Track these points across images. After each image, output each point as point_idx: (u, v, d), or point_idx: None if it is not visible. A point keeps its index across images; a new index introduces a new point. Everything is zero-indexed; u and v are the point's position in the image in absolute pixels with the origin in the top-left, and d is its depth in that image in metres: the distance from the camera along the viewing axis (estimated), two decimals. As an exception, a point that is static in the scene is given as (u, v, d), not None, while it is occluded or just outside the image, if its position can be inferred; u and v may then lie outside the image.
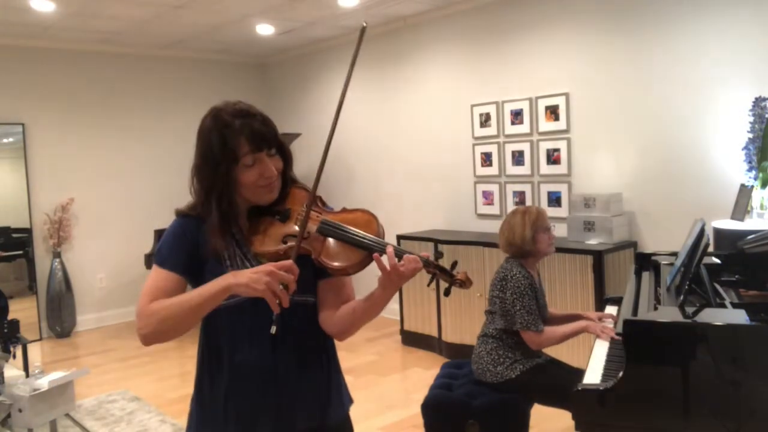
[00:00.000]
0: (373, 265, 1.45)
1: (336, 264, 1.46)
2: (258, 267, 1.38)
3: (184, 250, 1.52)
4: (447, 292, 1.49)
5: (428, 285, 1.53)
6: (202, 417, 1.56)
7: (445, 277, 1.46)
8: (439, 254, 1.45)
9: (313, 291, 1.57)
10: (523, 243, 2.83)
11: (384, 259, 1.40)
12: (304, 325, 1.56)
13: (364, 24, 1.51)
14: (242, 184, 1.49)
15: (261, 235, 1.52)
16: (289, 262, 1.38)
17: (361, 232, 1.47)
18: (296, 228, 1.50)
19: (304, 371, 1.55)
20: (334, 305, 1.56)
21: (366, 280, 1.62)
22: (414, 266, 1.40)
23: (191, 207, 1.57)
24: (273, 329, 1.41)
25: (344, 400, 1.68)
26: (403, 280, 1.41)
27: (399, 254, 1.42)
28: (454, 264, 1.46)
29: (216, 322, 1.53)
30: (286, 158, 1.57)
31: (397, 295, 5.37)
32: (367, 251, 1.45)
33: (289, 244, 1.49)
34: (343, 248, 1.47)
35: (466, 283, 1.46)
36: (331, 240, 1.48)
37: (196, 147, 1.52)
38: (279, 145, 1.54)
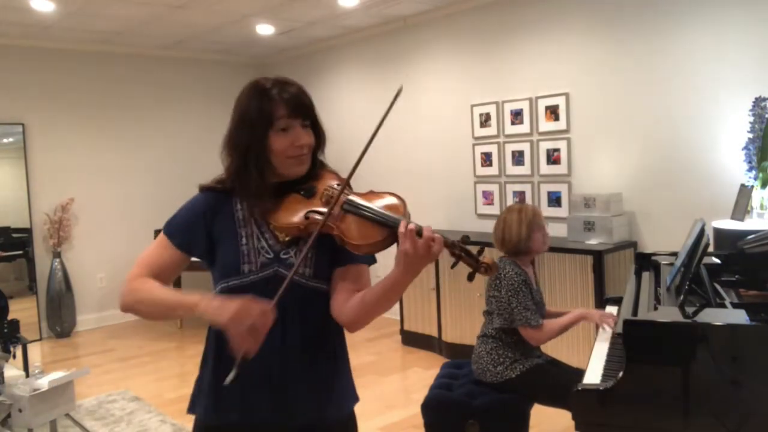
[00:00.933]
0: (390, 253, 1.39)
1: (357, 240, 1.40)
2: (234, 299, 1.33)
3: (198, 226, 1.53)
4: (471, 277, 1.41)
5: (452, 267, 1.45)
6: (207, 401, 1.54)
7: (471, 261, 1.37)
8: (466, 238, 1.38)
9: (327, 278, 1.53)
10: (519, 241, 2.83)
11: (407, 236, 1.32)
12: (315, 314, 1.52)
13: (401, 86, 1.52)
14: (273, 151, 1.48)
15: (283, 210, 1.49)
16: (268, 307, 1.32)
17: (387, 211, 1.42)
18: (320, 205, 1.47)
19: (311, 359, 1.52)
20: (349, 294, 1.50)
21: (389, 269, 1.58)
22: (438, 245, 1.32)
23: (218, 181, 1.57)
24: (228, 378, 1.32)
25: (350, 396, 1.63)
26: (423, 261, 1.32)
27: (422, 233, 1.33)
28: (481, 250, 1.39)
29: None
30: (320, 137, 1.57)
31: (397, 295, 5.36)
32: (390, 229, 1.38)
33: (311, 218, 1.45)
34: (366, 226, 1.41)
35: (491, 268, 1.37)
36: (354, 218, 1.43)
37: (233, 114, 1.52)
38: (314, 121, 1.55)
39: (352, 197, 1.47)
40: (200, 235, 1.53)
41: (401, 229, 1.33)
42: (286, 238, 1.51)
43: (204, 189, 1.58)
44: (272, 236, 1.52)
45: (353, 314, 1.48)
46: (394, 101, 1.45)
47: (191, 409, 1.59)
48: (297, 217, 1.47)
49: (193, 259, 1.57)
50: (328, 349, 1.58)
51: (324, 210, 1.45)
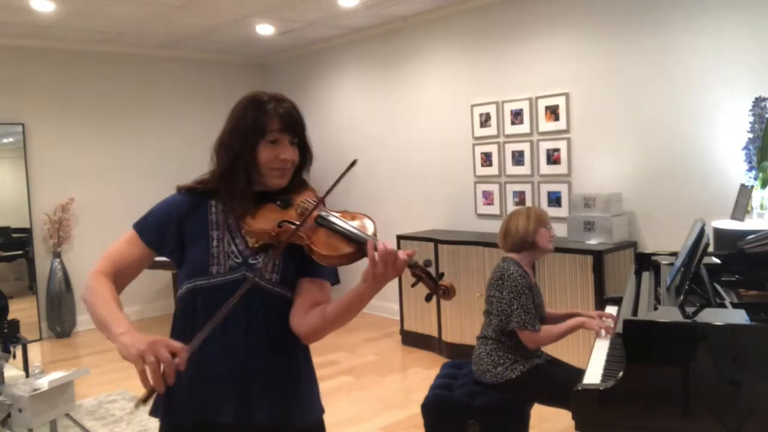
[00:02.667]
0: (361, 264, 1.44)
1: (325, 251, 1.47)
2: (146, 337, 1.34)
3: (169, 226, 1.57)
4: (428, 298, 1.49)
5: (412, 286, 1.53)
6: (167, 402, 1.56)
7: (430, 284, 1.45)
8: (428, 262, 1.45)
9: (293, 287, 1.58)
10: (526, 234, 2.84)
11: (374, 251, 1.40)
12: (278, 321, 1.55)
13: (356, 160, 1.57)
14: (259, 161, 1.54)
15: (257, 217, 1.55)
16: (180, 345, 1.33)
17: (356, 227, 1.50)
18: (294, 216, 1.54)
19: (273, 364, 1.55)
20: (309, 305, 1.55)
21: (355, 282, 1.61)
22: (399, 263, 1.39)
23: (199, 182, 1.62)
24: (136, 402, 1.33)
25: (314, 405, 1.64)
26: (387, 276, 1.40)
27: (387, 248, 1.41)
28: (441, 274, 1.46)
29: (193, 303, 1.54)
30: (306, 157, 1.64)
31: (397, 295, 5.37)
32: (357, 245, 1.46)
33: (283, 227, 1.51)
34: (335, 239, 1.49)
35: (449, 292, 1.45)
36: (325, 230, 1.50)
37: (227, 121, 1.60)
38: (302, 140, 1.62)
39: (325, 212, 1.55)
40: (171, 235, 1.57)
41: (369, 246, 1.40)
42: (256, 244, 1.56)
43: (182, 189, 1.63)
44: (243, 242, 1.56)
45: (312, 326, 1.52)
46: (346, 172, 1.51)
47: (154, 412, 1.60)
48: (270, 225, 1.52)
49: (159, 258, 1.61)
50: (291, 355, 1.59)
51: (296, 220, 1.52)
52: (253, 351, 1.52)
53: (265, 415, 1.53)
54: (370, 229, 1.52)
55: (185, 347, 1.34)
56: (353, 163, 1.51)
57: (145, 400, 1.32)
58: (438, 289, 1.45)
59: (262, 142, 1.54)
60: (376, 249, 1.39)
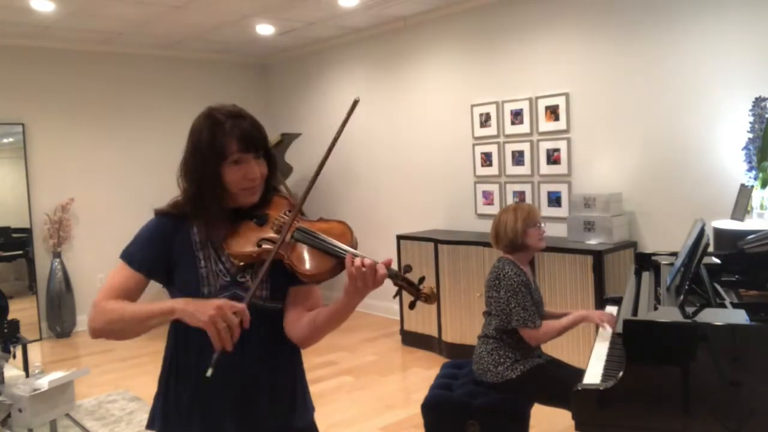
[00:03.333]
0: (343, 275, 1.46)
1: (307, 270, 1.48)
2: (209, 300, 1.41)
3: (156, 250, 1.56)
4: (412, 306, 1.51)
5: (394, 297, 1.54)
6: (166, 418, 1.58)
7: (411, 290, 1.47)
8: (407, 268, 1.46)
9: (284, 298, 1.60)
10: (515, 236, 2.84)
11: (353, 267, 1.41)
12: (273, 331, 1.58)
13: (357, 98, 1.56)
14: (227, 182, 1.52)
15: (237, 237, 1.55)
16: (242, 306, 1.40)
17: (335, 241, 1.49)
18: (272, 233, 1.54)
19: (271, 376, 1.58)
20: (300, 312, 1.58)
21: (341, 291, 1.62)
22: (379, 277, 1.41)
23: (173, 205, 1.60)
24: (209, 371, 1.38)
25: (309, 406, 1.69)
26: (368, 290, 1.42)
27: (366, 264, 1.42)
28: (422, 279, 1.47)
29: (183, 326, 1.52)
30: (272, 166, 1.61)
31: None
32: (337, 259, 1.47)
33: (264, 247, 1.52)
34: (315, 255, 1.49)
35: (431, 297, 1.47)
36: (304, 246, 1.51)
37: (187, 143, 1.56)
38: (266, 151, 1.58)
39: (301, 225, 1.54)
40: (158, 258, 1.56)
41: (348, 262, 1.42)
42: (240, 263, 1.56)
43: (159, 213, 1.61)
44: (228, 259, 1.56)
45: (305, 333, 1.56)
46: (350, 114, 1.50)
47: (150, 425, 1.61)
48: (249, 246, 1.53)
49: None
50: (287, 361, 1.63)
51: (275, 237, 1.52)
52: (252, 364, 1.54)
53: (267, 424, 1.56)
54: (348, 239, 1.51)
55: (244, 304, 1.41)
56: (355, 103, 1.50)
57: (218, 360, 1.39)
58: (420, 295, 1.47)
59: (225, 164, 1.50)
60: (354, 264, 1.40)
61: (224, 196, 1.54)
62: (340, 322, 1.53)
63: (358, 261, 1.40)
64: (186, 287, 1.54)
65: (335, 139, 1.53)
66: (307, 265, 1.48)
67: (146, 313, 1.46)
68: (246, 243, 1.54)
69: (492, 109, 5.11)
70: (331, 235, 1.51)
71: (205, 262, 1.55)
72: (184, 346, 1.56)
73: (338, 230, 1.54)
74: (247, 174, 1.52)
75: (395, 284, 1.45)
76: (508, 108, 4.99)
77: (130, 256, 1.57)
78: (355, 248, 1.49)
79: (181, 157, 1.57)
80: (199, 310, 1.39)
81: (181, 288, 1.55)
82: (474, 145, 5.29)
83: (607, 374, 2.08)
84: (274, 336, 1.58)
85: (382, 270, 1.40)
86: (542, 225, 2.94)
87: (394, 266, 1.45)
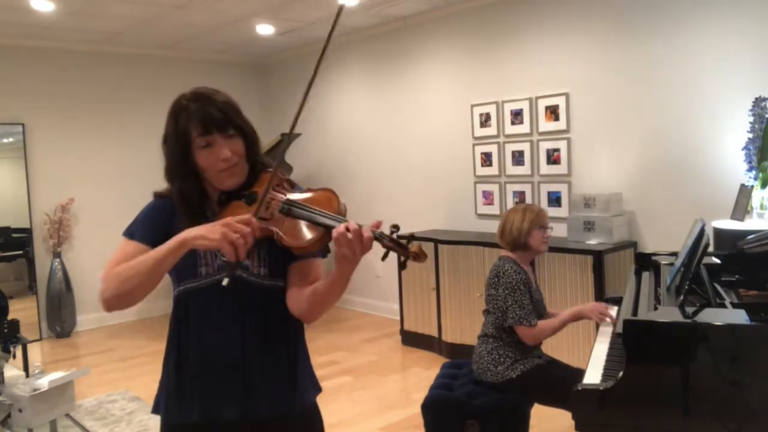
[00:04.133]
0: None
1: (294, 242, 1.46)
2: (214, 222, 1.41)
3: (156, 227, 1.55)
4: (402, 266, 1.47)
5: (382, 259, 1.49)
6: (168, 401, 1.57)
7: (400, 250, 1.42)
8: (394, 228, 1.42)
9: (283, 275, 1.58)
10: (519, 235, 2.85)
11: (338, 234, 1.37)
12: (273, 309, 1.56)
13: (341, 3, 1.51)
14: (203, 167, 1.52)
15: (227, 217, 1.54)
16: (247, 216, 1.41)
17: (322, 209, 1.47)
18: (262, 209, 1.51)
19: (273, 356, 1.56)
20: (301, 287, 1.55)
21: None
22: (366, 240, 1.36)
23: (167, 189, 1.61)
24: (225, 281, 1.39)
25: (312, 386, 1.67)
26: (357, 256, 1.37)
27: (351, 229, 1.38)
28: (410, 237, 1.42)
29: (185, 305, 1.55)
30: (249, 141, 1.57)
31: (397, 295, 5.37)
32: (325, 228, 1.44)
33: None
34: (302, 227, 1.47)
35: (419, 256, 1.42)
36: (292, 219, 1.48)
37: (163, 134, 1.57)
38: (239, 128, 1.54)
39: (288, 196, 1.52)
40: (160, 232, 1.54)
41: (334, 230, 1.38)
42: None
43: (159, 195, 1.62)
44: None
45: (307, 307, 1.53)
46: (337, 20, 1.46)
47: (155, 410, 1.61)
48: None
49: None
50: (289, 343, 1.61)
51: (264, 213, 1.50)
52: (252, 344, 1.53)
53: (268, 406, 1.54)
54: (335, 206, 1.48)
55: (250, 215, 1.42)
56: (340, 9, 1.48)
57: (233, 269, 1.41)
58: (409, 254, 1.41)
59: (196, 150, 1.50)
60: (338, 231, 1.36)
61: (207, 181, 1.54)
62: (339, 293, 1.49)
63: (341, 227, 1.36)
64: (184, 268, 1.52)
65: (323, 52, 1.50)
66: (295, 238, 1.46)
67: (157, 256, 1.42)
68: None
69: (492, 109, 5.11)
70: (318, 204, 1.48)
71: None
72: (186, 329, 1.55)
73: (324, 197, 1.51)
74: (219, 155, 1.50)
75: (383, 246, 1.41)
76: (508, 108, 4.99)
77: (132, 232, 1.57)
78: (344, 215, 1.46)
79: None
80: (209, 231, 1.38)
81: (179, 269, 1.53)
82: (474, 145, 5.29)
83: (607, 374, 2.08)
84: (275, 315, 1.56)
85: (367, 233, 1.36)
86: (549, 229, 2.94)
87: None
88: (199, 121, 1.49)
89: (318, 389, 1.69)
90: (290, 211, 1.49)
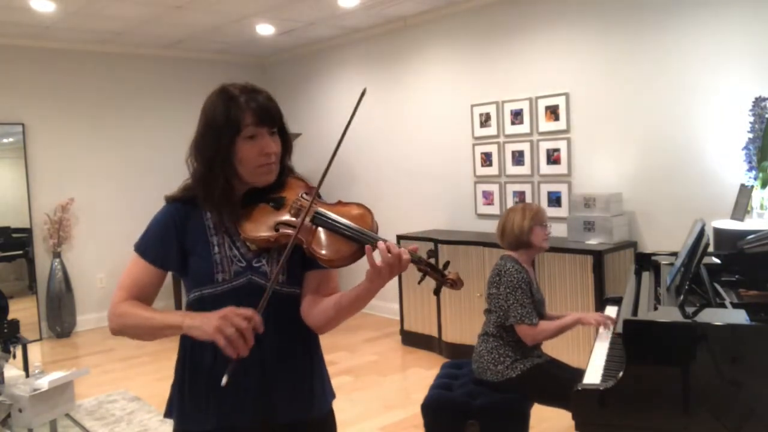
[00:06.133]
0: (364, 259, 1.43)
1: (327, 255, 1.43)
2: (214, 312, 1.38)
3: (169, 241, 1.52)
4: (436, 292, 1.47)
5: (418, 283, 1.49)
6: (183, 407, 1.55)
7: (436, 276, 1.43)
8: (431, 253, 1.43)
9: (300, 283, 1.56)
10: (521, 233, 2.86)
11: (375, 253, 1.38)
12: (290, 317, 1.54)
13: (365, 89, 1.53)
14: (241, 159, 1.48)
15: (252, 221, 1.50)
16: (251, 311, 1.37)
17: (355, 224, 1.45)
18: (289, 216, 1.49)
19: (289, 363, 1.54)
20: (317, 297, 1.54)
21: (358, 275, 1.59)
22: (404, 263, 1.37)
23: (185, 188, 1.56)
24: (224, 380, 1.36)
25: (328, 393, 1.66)
26: (392, 276, 1.38)
27: (390, 249, 1.39)
28: (447, 264, 1.44)
29: (200, 310, 1.51)
30: (286, 145, 1.57)
31: (397, 295, 5.37)
32: (359, 244, 1.43)
33: (281, 231, 1.47)
34: (335, 240, 1.45)
35: (457, 283, 1.43)
36: (324, 231, 1.46)
37: (200, 120, 1.52)
38: (281, 128, 1.54)
39: (321, 209, 1.49)
40: (172, 248, 1.52)
41: (368, 251, 1.38)
42: (256, 248, 1.52)
43: (171, 200, 1.57)
44: (243, 244, 1.53)
45: (323, 318, 1.52)
46: (358, 104, 1.46)
47: (168, 414, 1.60)
48: (266, 230, 1.49)
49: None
50: (305, 351, 1.60)
51: (293, 221, 1.47)
52: (270, 352, 1.51)
53: (286, 413, 1.53)
54: (368, 222, 1.47)
55: (254, 311, 1.37)
56: (363, 93, 1.48)
57: (232, 371, 1.37)
58: (446, 281, 1.43)
59: (239, 140, 1.46)
60: (377, 248, 1.36)
61: (236, 176, 1.50)
62: (360, 308, 1.49)
63: (382, 245, 1.36)
64: (200, 275, 1.51)
65: (347, 127, 1.47)
66: (329, 251, 1.43)
67: (158, 325, 1.45)
68: (262, 227, 1.49)
69: (492, 109, 5.11)
70: (350, 219, 1.46)
71: (219, 247, 1.51)
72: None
73: (358, 213, 1.49)
74: (263, 149, 1.48)
75: (419, 270, 1.42)
76: (508, 108, 4.99)
77: (144, 248, 1.54)
78: (376, 232, 1.45)
79: (193, 136, 1.53)
80: (204, 322, 1.36)
81: (195, 276, 1.52)
82: (474, 145, 5.29)
83: (607, 374, 2.08)
84: (291, 322, 1.54)
85: (406, 255, 1.36)
86: (548, 227, 2.96)
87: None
88: (254, 112, 1.47)
89: (333, 395, 1.67)
90: (324, 222, 1.47)
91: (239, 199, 1.53)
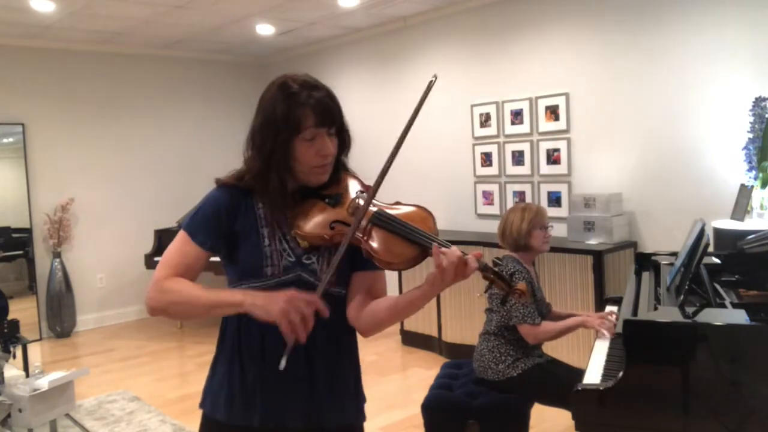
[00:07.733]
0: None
1: (388, 257, 1.38)
2: (279, 292, 1.33)
3: (219, 226, 1.47)
4: (503, 302, 1.44)
5: (485, 292, 1.44)
6: (219, 400, 1.50)
7: (503, 285, 1.38)
8: (499, 260, 1.39)
9: (347, 284, 1.52)
10: (519, 236, 2.85)
11: (444, 258, 1.32)
12: (337, 318, 1.47)
13: (434, 78, 1.48)
14: (297, 158, 1.43)
15: (307, 218, 1.45)
16: (315, 297, 1.32)
17: (417, 227, 1.39)
18: (346, 214, 1.44)
19: (335, 365, 1.51)
20: (365, 300, 1.49)
21: (392, 281, 1.58)
22: (470, 269, 1.32)
23: (237, 177, 1.51)
24: (282, 364, 1.31)
25: (363, 399, 1.64)
26: (454, 281, 1.33)
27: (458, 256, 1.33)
28: (512, 275, 1.43)
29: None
30: (344, 142, 1.53)
31: (396, 294, 5.36)
32: (422, 247, 1.37)
33: (337, 230, 1.42)
34: (396, 242, 1.39)
35: (524, 295, 1.37)
36: (383, 232, 1.40)
37: (257, 113, 1.47)
38: (340, 127, 1.49)
39: (381, 210, 1.44)
40: (222, 233, 1.47)
41: (436, 253, 1.32)
42: (307, 245, 1.47)
43: (222, 184, 1.52)
44: (293, 239, 1.48)
45: (374, 321, 1.48)
46: (427, 94, 1.42)
47: (203, 405, 1.56)
48: (322, 227, 1.43)
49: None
50: (350, 351, 1.57)
51: (350, 220, 1.42)
52: (317, 354, 1.47)
53: (335, 417, 1.50)
54: (430, 225, 1.41)
55: (316, 296, 1.32)
56: (433, 81, 1.42)
57: (291, 351, 1.31)
58: (513, 291, 1.38)
59: (297, 139, 1.41)
60: (445, 255, 1.30)
61: (291, 173, 1.45)
62: (413, 312, 1.44)
63: (446, 250, 1.31)
64: (248, 265, 1.46)
65: (412, 120, 1.43)
66: (388, 253, 1.37)
67: (212, 302, 1.38)
68: (318, 224, 1.43)
69: (492, 109, 5.11)
70: (411, 221, 1.41)
71: (269, 240, 1.46)
72: (247, 329, 1.47)
73: (419, 216, 1.44)
74: (320, 150, 1.43)
75: (485, 278, 1.37)
76: (508, 108, 4.99)
77: (194, 230, 1.47)
78: (437, 235, 1.40)
79: (249, 128, 1.47)
80: (269, 303, 1.31)
81: (243, 266, 1.47)
82: (474, 145, 5.29)
83: (607, 374, 2.08)
84: (338, 323, 1.49)
85: (473, 263, 1.31)
86: (549, 228, 2.94)
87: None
88: (315, 111, 1.41)
89: (364, 400, 1.65)
90: (385, 224, 1.41)
91: (293, 192, 1.48)
